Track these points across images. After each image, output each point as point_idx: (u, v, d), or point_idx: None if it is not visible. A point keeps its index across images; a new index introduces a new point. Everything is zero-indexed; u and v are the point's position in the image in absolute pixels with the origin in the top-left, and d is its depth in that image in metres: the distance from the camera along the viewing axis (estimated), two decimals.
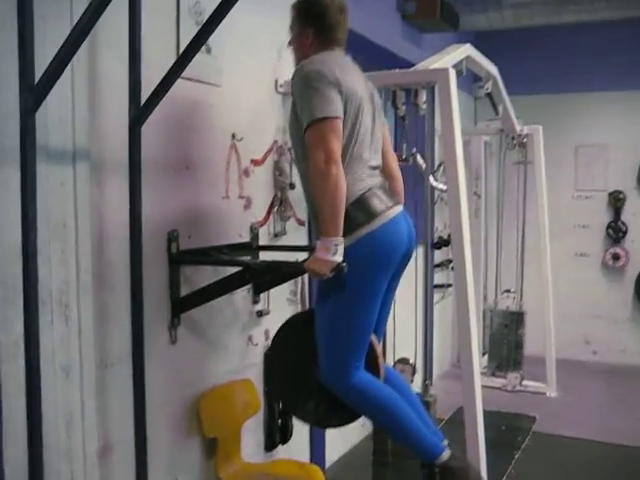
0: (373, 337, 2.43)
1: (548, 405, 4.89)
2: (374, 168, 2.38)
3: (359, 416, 2.50)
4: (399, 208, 2.37)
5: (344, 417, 2.51)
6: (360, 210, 2.26)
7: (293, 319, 2.59)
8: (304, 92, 2.22)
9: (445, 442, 2.46)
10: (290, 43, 2.50)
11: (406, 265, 2.48)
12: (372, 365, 2.43)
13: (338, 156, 2.15)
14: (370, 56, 3.99)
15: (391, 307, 2.60)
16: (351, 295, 2.29)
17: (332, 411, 2.48)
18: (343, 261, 2.17)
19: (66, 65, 1.80)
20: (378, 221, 2.26)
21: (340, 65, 2.31)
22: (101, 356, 2.18)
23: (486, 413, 3.17)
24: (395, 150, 3.76)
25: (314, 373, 2.41)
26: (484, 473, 3.08)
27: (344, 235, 2.21)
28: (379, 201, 2.31)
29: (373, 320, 2.36)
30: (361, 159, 2.30)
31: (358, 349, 2.36)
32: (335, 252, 2.14)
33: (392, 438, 2.58)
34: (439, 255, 5.17)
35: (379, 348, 2.49)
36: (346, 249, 2.21)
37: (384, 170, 2.51)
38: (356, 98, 2.27)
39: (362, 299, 2.31)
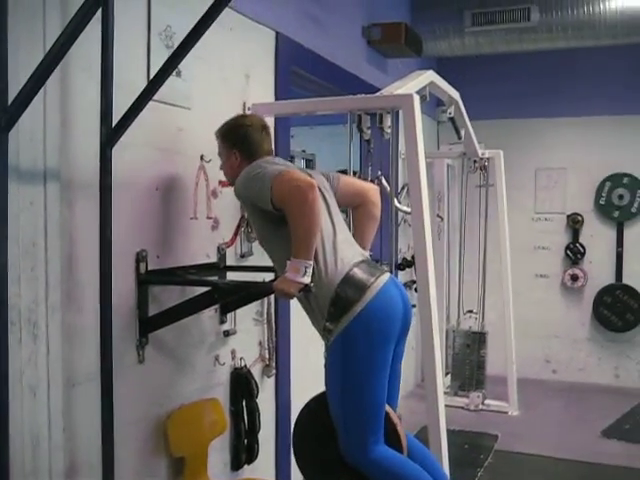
0: (388, 408, 2.46)
1: (510, 423, 4.97)
2: (344, 242, 2.44)
3: None
4: (387, 276, 2.43)
5: None
6: (349, 288, 2.32)
7: (311, 403, 2.60)
8: (250, 182, 2.33)
9: None
10: (221, 168, 2.63)
11: (407, 330, 2.52)
12: (392, 436, 2.46)
13: (312, 180, 2.20)
14: (335, 80, 4.09)
15: (401, 375, 2.62)
16: (358, 371, 2.33)
17: None
18: (310, 282, 2.21)
19: (40, 87, 1.83)
20: (369, 294, 2.32)
21: (271, 160, 2.45)
22: (69, 375, 2.18)
23: (449, 432, 3.21)
24: (360, 173, 3.85)
25: (337, 452, 2.44)
26: None
27: (340, 316, 2.29)
28: (365, 274, 2.36)
29: (384, 392, 2.39)
30: (329, 240, 2.37)
31: (373, 423, 2.39)
32: (304, 274, 2.19)
33: None
34: (402, 276, 5.24)
35: (396, 418, 2.51)
36: (345, 329, 2.29)
37: (364, 201, 2.61)
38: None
39: (369, 374, 2.35)
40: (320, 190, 2.45)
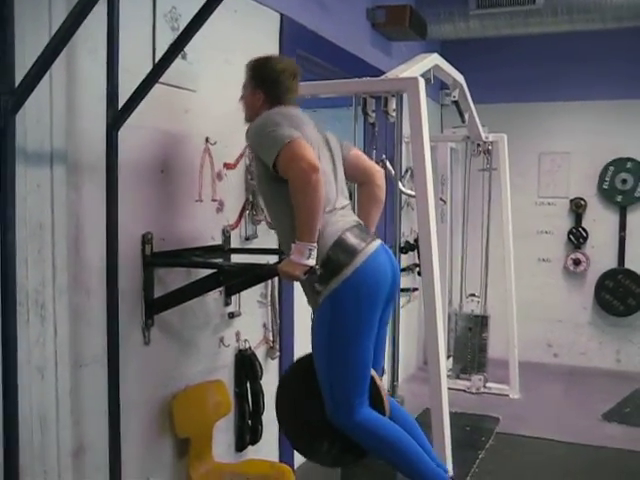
0: (373, 372, 2.48)
1: (511, 406, 4.99)
2: (342, 208, 2.45)
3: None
4: (377, 242, 2.44)
5: (358, 453, 2.53)
6: (340, 252, 2.33)
7: (296, 364, 2.63)
8: (262, 137, 2.30)
9: (450, 473, 2.52)
10: (241, 99, 2.58)
11: (394, 297, 2.55)
12: (376, 400, 2.48)
13: (317, 163, 2.20)
14: (340, 63, 4.07)
15: (386, 340, 2.64)
16: (344, 334, 2.35)
17: (346, 449, 2.51)
18: (316, 264, 2.23)
19: (46, 70, 1.83)
20: (359, 258, 2.33)
21: (290, 115, 2.41)
22: (76, 356, 2.20)
23: (451, 414, 3.25)
24: None
25: (322, 414, 2.46)
26: (450, 472, 3.16)
27: (330, 279, 2.30)
28: (357, 239, 2.37)
29: (369, 356, 2.41)
30: (328, 202, 2.37)
31: (358, 385, 2.41)
32: (309, 256, 2.20)
33: (399, 472, 2.60)
34: (405, 259, 5.26)
35: (380, 382, 2.54)
36: (334, 291, 2.31)
37: (369, 181, 2.60)
38: (311, 142, 2.34)
39: (355, 336, 2.37)
40: (331, 152, 2.49)
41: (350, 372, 2.40)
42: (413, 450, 2.45)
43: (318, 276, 2.31)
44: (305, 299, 2.50)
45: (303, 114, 2.50)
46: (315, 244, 2.22)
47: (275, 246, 3.23)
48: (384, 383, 2.62)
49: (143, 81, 2.10)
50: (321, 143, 2.47)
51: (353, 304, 2.33)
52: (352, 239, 2.36)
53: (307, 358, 2.54)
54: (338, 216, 2.40)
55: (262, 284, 3.20)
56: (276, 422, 3.35)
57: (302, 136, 2.27)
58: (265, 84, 2.49)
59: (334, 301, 2.32)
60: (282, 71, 2.49)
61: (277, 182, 2.31)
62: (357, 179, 2.71)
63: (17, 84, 1.80)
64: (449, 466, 3.13)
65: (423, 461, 2.46)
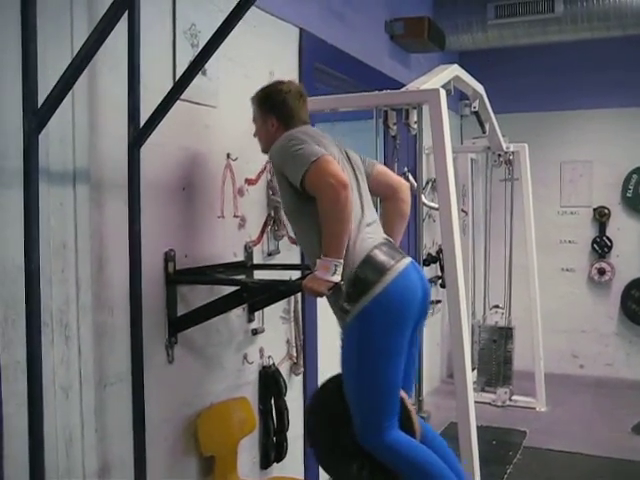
0: (403, 394, 2.44)
1: (538, 419, 4.92)
2: (370, 224, 2.41)
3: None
4: (407, 260, 2.39)
5: (389, 476, 2.47)
6: (369, 269, 2.29)
7: (326, 385, 2.58)
8: (287, 156, 2.28)
9: None
10: (255, 134, 2.58)
11: (425, 315, 2.49)
12: (406, 422, 2.43)
13: (345, 179, 2.17)
14: (359, 76, 4.06)
15: (416, 361, 2.59)
16: (373, 354, 2.30)
17: (376, 472, 2.46)
18: (341, 281, 2.20)
19: (69, 89, 1.83)
20: (389, 276, 2.28)
21: (312, 132, 2.40)
22: (100, 376, 2.19)
23: (477, 428, 3.19)
24: None
25: (352, 436, 2.41)
26: None
27: (359, 297, 2.26)
28: (386, 256, 2.33)
29: (399, 376, 2.36)
30: (355, 218, 2.33)
31: (388, 407, 2.36)
32: (334, 272, 2.18)
33: None
34: (427, 272, 5.21)
35: (410, 405, 2.48)
36: (363, 310, 2.26)
37: (394, 195, 2.57)
38: (336, 159, 2.32)
39: (385, 356, 2.32)
40: (353, 169, 2.47)
41: (380, 393, 2.35)
42: (445, 475, 2.38)
43: (346, 295, 2.28)
44: (328, 314, 2.47)
45: (321, 132, 2.49)
46: (341, 260, 2.19)
47: (297, 261, 3.21)
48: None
49: (164, 98, 2.10)
50: (343, 159, 2.45)
51: (383, 323, 2.28)
52: (381, 256, 2.32)
53: (336, 378, 2.50)
54: (365, 233, 2.36)
55: (285, 300, 3.17)
56: (301, 439, 3.34)
57: (327, 153, 2.25)
58: (275, 108, 2.48)
59: (363, 320, 2.28)
60: (287, 92, 2.49)
61: (303, 200, 2.29)
62: (382, 194, 2.68)
63: (40, 104, 1.80)
64: None
65: None
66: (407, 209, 2.65)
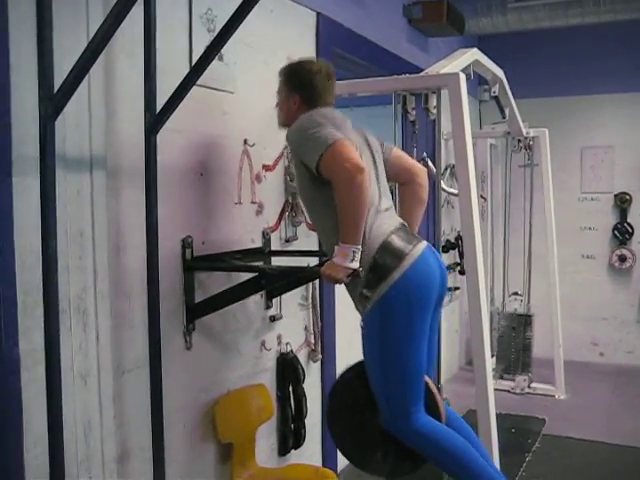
0: (427, 378, 2.43)
1: (557, 407, 4.89)
2: (386, 210, 2.39)
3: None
4: (424, 244, 2.37)
5: (414, 462, 2.47)
6: (387, 255, 2.27)
7: (346, 373, 2.56)
8: (304, 139, 2.25)
9: None
10: (277, 106, 2.54)
11: (443, 299, 2.47)
12: (432, 406, 2.42)
13: (362, 163, 2.15)
14: (377, 61, 4.02)
15: (437, 345, 2.58)
16: (396, 339, 2.30)
17: (402, 458, 2.46)
18: (359, 267, 2.18)
19: (85, 74, 1.81)
20: (407, 261, 2.27)
21: (331, 116, 2.36)
22: (118, 363, 2.19)
23: (496, 416, 3.17)
24: None
25: (375, 423, 2.41)
26: None
27: (378, 284, 2.24)
28: (403, 242, 2.31)
29: (423, 360, 2.36)
30: (372, 205, 2.31)
31: (414, 391, 2.36)
32: (352, 259, 2.16)
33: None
34: (446, 258, 5.18)
35: (434, 387, 2.48)
36: (383, 296, 2.25)
37: (411, 180, 2.56)
38: (354, 143, 2.29)
39: (408, 341, 2.31)
40: (371, 152, 2.44)
41: (405, 378, 2.34)
42: (473, 458, 2.38)
43: (365, 281, 2.26)
44: (347, 300, 2.45)
45: (342, 115, 2.46)
46: (359, 246, 2.17)
47: (315, 248, 3.20)
48: None
49: (181, 84, 2.08)
50: (362, 144, 2.42)
51: (403, 308, 2.27)
52: (398, 242, 2.30)
53: (356, 366, 2.49)
54: (382, 219, 2.34)
55: (303, 286, 3.16)
56: (319, 425, 3.33)
57: (345, 137, 2.22)
58: (300, 87, 2.44)
59: (383, 306, 2.26)
60: (317, 72, 2.45)
61: (319, 185, 2.27)
62: (399, 179, 2.65)
63: (56, 89, 1.79)
64: None
65: (484, 470, 2.38)
66: (425, 194, 2.62)
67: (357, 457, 2.58)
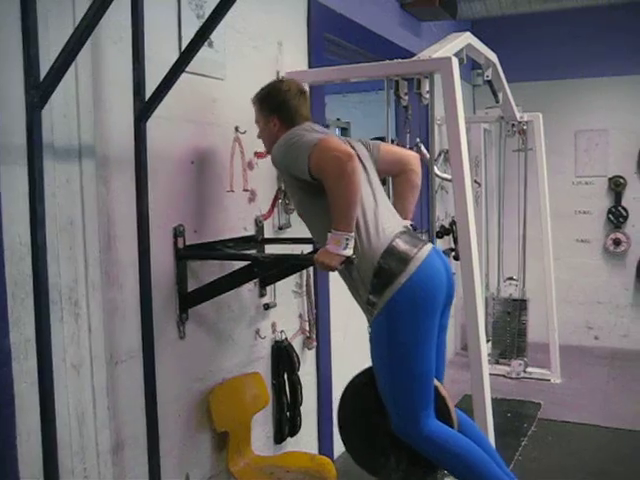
0: (437, 383, 2.41)
1: (553, 391, 4.89)
2: (385, 214, 2.37)
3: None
4: (429, 246, 2.36)
5: (428, 467, 2.46)
6: (392, 260, 2.26)
7: (356, 380, 2.55)
8: (288, 150, 2.26)
9: None
10: (259, 136, 2.55)
11: (451, 301, 2.46)
12: (442, 410, 2.41)
13: (350, 150, 2.13)
14: (369, 46, 3.99)
15: (446, 347, 2.55)
16: (404, 344, 2.28)
17: (415, 464, 2.44)
18: (352, 254, 2.16)
19: (71, 62, 1.79)
20: (413, 265, 2.25)
21: (309, 128, 2.37)
22: (111, 353, 2.18)
23: (492, 400, 3.16)
24: (398, 140, 3.76)
25: (387, 429, 2.39)
26: None
27: (384, 289, 2.23)
28: (408, 245, 2.30)
29: (431, 365, 2.34)
30: (370, 210, 2.30)
31: (423, 396, 2.34)
32: (346, 246, 2.14)
33: None
34: (440, 244, 5.17)
35: (445, 392, 2.46)
36: (389, 301, 2.24)
37: (404, 169, 2.55)
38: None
39: (416, 346, 2.29)
40: (360, 159, 2.40)
41: (413, 383, 2.32)
42: (485, 464, 2.36)
43: (371, 287, 2.26)
44: (340, 287, 2.44)
45: (323, 127, 2.47)
46: (352, 233, 2.16)
47: (309, 235, 3.18)
48: None
49: (170, 70, 2.05)
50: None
51: (410, 313, 2.26)
52: (403, 246, 2.29)
53: (365, 372, 2.48)
54: (383, 223, 2.33)
55: (297, 274, 3.15)
56: (314, 413, 3.34)
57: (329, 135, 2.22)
58: (276, 108, 2.45)
59: (390, 311, 2.25)
60: (287, 90, 2.46)
61: (313, 195, 2.27)
62: (394, 172, 2.63)
63: (42, 78, 1.76)
64: None
65: (496, 476, 2.36)
66: (418, 179, 2.60)
67: (369, 463, 2.56)
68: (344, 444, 2.62)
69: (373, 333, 2.34)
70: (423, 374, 2.33)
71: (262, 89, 2.51)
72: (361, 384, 2.51)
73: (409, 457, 2.43)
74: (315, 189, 2.23)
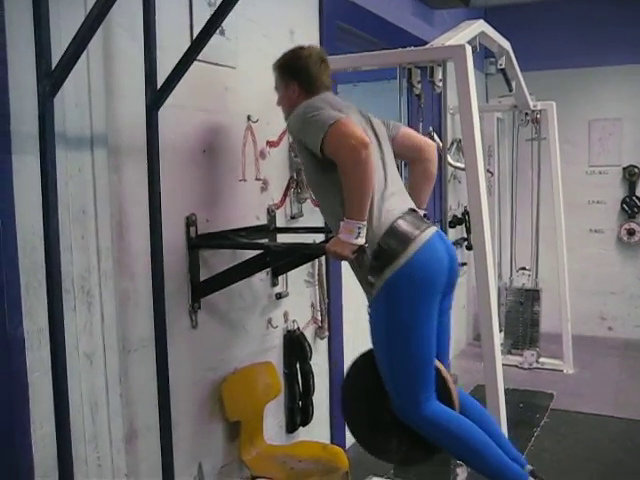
0: (439, 364, 2.39)
1: (565, 382, 4.88)
2: (394, 195, 2.34)
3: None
4: (432, 229, 2.33)
5: (429, 450, 2.45)
6: (392, 240, 2.23)
7: (358, 361, 2.54)
8: (305, 124, 2.22)
9: (528, 467, 2.41)
10: (278, 103, 2.52)
11: (454, 285, 2.44)
12: (444, 393, 2.39)
13: (366, 138, 2.11)
14: (381, 34, 3.96)
15: (450, 330, 2.53)
16: (401, 325, 2.26)
17: (415, 447, 2.43)
18: (365, 243, 2.15)
19: (83, 50, 1.78)
20: (413, 247, 2.23)
21: (331, 101, 2.33)
22: (124, 342, 2.18)
23: (504, 391, 3.16)
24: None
25: (388, 410, 2.39)
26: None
27: (383, 269, 2.21)
28: (410, 226, 2.27)
29: (431, 346, 2.32)
30: (377, 190, 2.27)
31: (423, 379, 2.33)
32: (358, 235, 2.13)
33: (472, 469, 2.51)
34: (452, 234, 5.14)
35: (447, 374, 2.44)
36: (388, 282, 2.22)
37: (420, 157, 2.53)
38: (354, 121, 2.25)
39: (413, 328, 2.27)
40: (377, 137, 2.40)
41: (412, 365, 2.31)
42: (487, 446, 2.34)
43: (370, 267, 2.24)
44: (353, 277, 2.43)
45: (344, 100, 2.43)
46: (364, 222, 2.14)
47: (321, 224, 3.17)
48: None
49: (181, 59, 2.03)
50: (366, 127, 2.38)
51: (408, 294, 2.24)
52: (405, 226, 2.26)
53: (367, 354, 2.47)
54: (388, 204, 2.29)
55: (309, 263, 3.14)
56: (327, 402, 3.33)
57: (347, 116, 2.19)
58: (297, 74, 2.42)
59: (388, 293, 2.24)
60: (308, 57, 2.43)
61: (324, 168, 2.24)
62: (408, 156, 2.61)
63: (54, 67, 1.76)
64: None
65: (498, 457, 2.35)
66: (433, 169, 2.58)
67: (371, 444, 2.55)
68: (346, 423, 2.61)
69: (372, 314, 2.32)
70: (421, 355, 2.31)
71: (283, 55, 2.49)
72: (364, 364, 2.49)
73: (410, 439, 2.42)
74: (326, 163, 2.21)
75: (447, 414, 2.36)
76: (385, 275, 2.22)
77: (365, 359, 2.50)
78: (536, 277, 5.38)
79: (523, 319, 5.32)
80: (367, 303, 2.34)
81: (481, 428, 2.39)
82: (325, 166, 2.22)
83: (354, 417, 2.56)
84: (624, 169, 5.86)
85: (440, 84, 2.93)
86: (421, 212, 2.45)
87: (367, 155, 2.09)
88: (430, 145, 2.60)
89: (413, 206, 2.42)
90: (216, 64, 2.55)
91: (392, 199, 2.33)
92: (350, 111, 2.35)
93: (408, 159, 2.64)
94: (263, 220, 2.86)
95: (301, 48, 2.50)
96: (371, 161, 2.12)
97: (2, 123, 1.78)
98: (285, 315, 3.04)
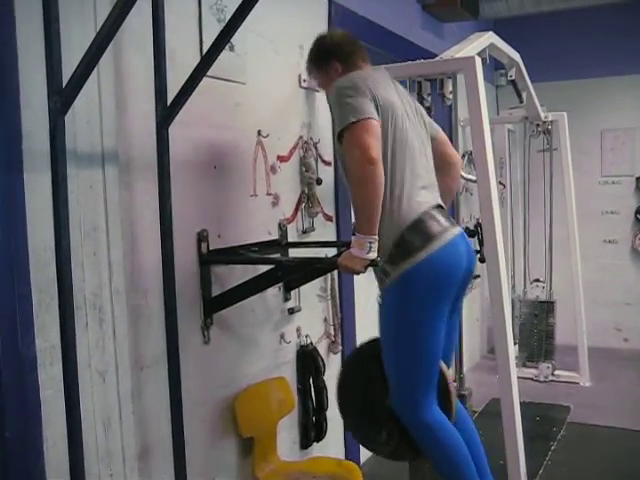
0: (444, 367, 2.39)
1: (582, 394, 4.82)
2: (425, 187, 2.34)
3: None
4: (457, 230, 2.33)
5: (416, 450, 2.44)
6: (416, 234, 2.23)
7: (362, 347, 2.54)
8: (337, 102, 2.23)
9: None
10: (320, 85, 2.58)
11: (467, 287, 2.43)
12: (443, 393, 2.39)
13: (375, 153, 2.10)
14: (391, 48, 3.96)
15: (457, 332, 2.54)
16: (412, 320, 2.26)
17: (405, 444, 2.43)
18: (377, 257, 2.14)
19: (93, 67, 1.78)
20: (435, 244, 2.23)
21: (373, 79, 2.32)
22: (136, 358, 2.18)
23: (520, 404, 3.13)
24: None
25: (385, 402, 2.38)
26: (522, 465, 3.04)
27: (401, 260, 2.21)
28: (436, 223, 2.27)
29: (439, 345, 2.31)
30: (412, 173, 2.27)
31: (426, 381, 2.33)
32: (369, 250, 2.12)
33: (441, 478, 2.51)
34: None
35: (449, 375, 2.44)
36: (404, 273, 2.21)
37: (445, 171, 2.53)
38: (394, 108, 2.27)
39: (423, 324, 2.27)
40: (423, 123, 2.44)
41: (417, 362, 2.30)
42: (466, 467, 2.35)
43: (389, 256, 2.23)
44: (365, 291, 2.43)
45: (387, 77, 2.44)
46: (375, 237, 2.13)
47: (333, 239, 3.17)
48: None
49: (191, 75, 2.05)
50: (406, 107, 2.37)
51: (421, 291, 2.23)
52: (431, 222, 2.26)
53: (375, 342, 2.45)
54: (419, 196, 2.29)
55: (322, 278, 3.13)
56: (341, 418, 3.31)
57: (373, 114, 2.17)
58: (334, 54, 2.45)
59: (402, 285, 2.23)
60: (343, 35, 2.50)
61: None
62: (436, 164, 2.60)
63: (65, 84, 1.77)
64: (521, 459, 3.02)
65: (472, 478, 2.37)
66: (455, 187, 2.62)
67: (361, 432, 2.57)
68: (340, 410, 2.60)
69: (383, 303, 2.31)
70: (428, 353, 2.30)
71: (314, 43, 2.55)
72: (368, 352, 2.48)
73: (400, 435, 2.41)
74: None
75: (442, 424, 2.36)
76: (403, 267, 2.22)
77: (369, 346, 2.49)
78: (550, 289, 5.33)
79: (538, 331, 5.28)
80: (378, 292, 2.33)
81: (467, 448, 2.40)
82: None
83: (349, 402, 2.55)
84: (637, 179, 5.82)
85: (450, 96, 2.92)
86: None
87: (372, 172, 2.09)
88: (459, 163, 2.61)
89: (441, 203, 2.41)
90: (226, 80, 2.55)
91: (423, 191, 2.32)
92: (389, 92, 2.32)
93: (435, 166, 2.62)
94: (275, 235, 2.86)
95: (322, 36, 2.58)
96: (377, 177, 2.11)
97: (15, 143, 1.79)
98: (298, 330, 3.03)
